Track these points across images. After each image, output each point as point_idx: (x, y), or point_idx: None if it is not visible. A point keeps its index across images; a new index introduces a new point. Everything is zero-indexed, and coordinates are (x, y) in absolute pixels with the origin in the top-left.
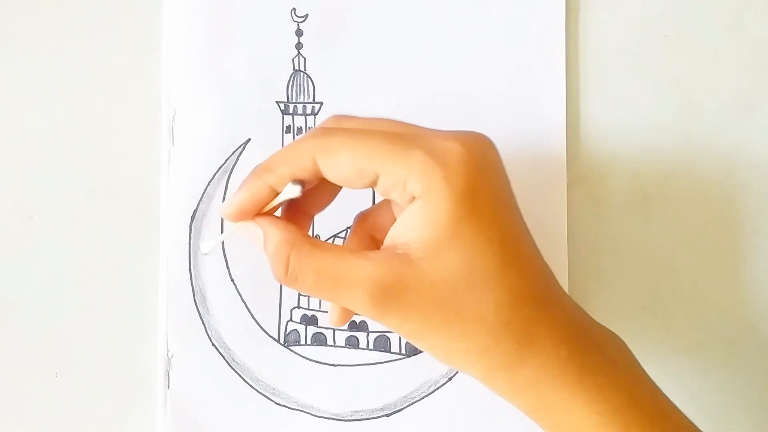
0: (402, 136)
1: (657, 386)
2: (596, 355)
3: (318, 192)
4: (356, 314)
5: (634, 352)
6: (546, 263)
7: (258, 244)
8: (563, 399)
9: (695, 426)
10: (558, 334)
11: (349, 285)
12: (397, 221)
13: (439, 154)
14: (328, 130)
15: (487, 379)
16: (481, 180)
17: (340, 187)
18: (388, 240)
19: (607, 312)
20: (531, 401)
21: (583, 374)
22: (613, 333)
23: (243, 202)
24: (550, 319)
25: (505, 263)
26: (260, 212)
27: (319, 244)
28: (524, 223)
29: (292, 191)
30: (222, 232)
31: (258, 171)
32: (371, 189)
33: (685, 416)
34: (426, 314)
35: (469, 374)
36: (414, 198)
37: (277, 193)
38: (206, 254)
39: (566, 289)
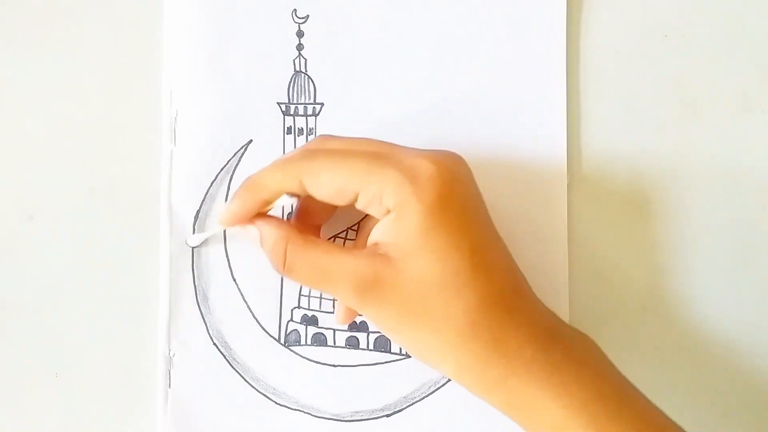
0: (377, 155)
1: (626, 380)
2: (562, 354)
3: (320, 205)
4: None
5: (634, 352)
6: (517, 268)
7: (254, 243)
8: (532, 396)
9: (663, 414)
10: (524, 336)
11: (336, 277)
12: (375, 228)
13: (410, 171)
14: (312, 152)
15: (458, 376)
16: (449, 194)
17: None
18: (370, 242)
19: (607, 312)
20: (502, 399)
21: (549, 372)
22: (582, 334)
23: (237, 212)
24: (517, 322)
25: (473, 268)
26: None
27: (311, 239)
28: (495, 232)
29: (287, 202)
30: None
31: (249, 185)
32: None
33: (654, 406)
34: (401, 309)
35: (440, 370)
36: (389, 211)
37: (269, 202)
38: (192, 247)
39: (566, 290)
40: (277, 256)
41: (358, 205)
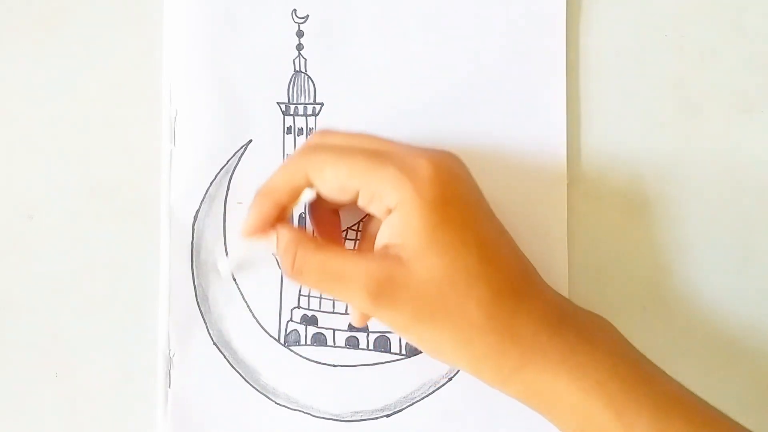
0: (377, 153)
1: (643, 357)
2: (576, 337)
3: (327, 211)
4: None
5: None
6: (524, 257)
7: (274, 249)
8: (548, 381)
9: (681, 386)
10: (537, 322)
11: (348, 280)
12: (381, 230)
13: (410, 170)
14: (313, 148)
15: (474, 369)
16: (449, 191)
17: None
18: (379, 244)
19: (607, 312)
20: (519, 388)
21: (564, 355)
22: (597, 315)
23: (256, 219)
24: (529, 310)
25: (482, 262)
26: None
27: (322, 243)
28: (499, 225)
29: (309, 195)
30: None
31: (261, 192)
32: None
33: (672, 379)
34: (416, 309)
35: (457, 366)
36: (390, 210)
37: (284, 207)
38: (224, 273)
39: (566, 289)
40: (287, 258)
41: (360, 203)
